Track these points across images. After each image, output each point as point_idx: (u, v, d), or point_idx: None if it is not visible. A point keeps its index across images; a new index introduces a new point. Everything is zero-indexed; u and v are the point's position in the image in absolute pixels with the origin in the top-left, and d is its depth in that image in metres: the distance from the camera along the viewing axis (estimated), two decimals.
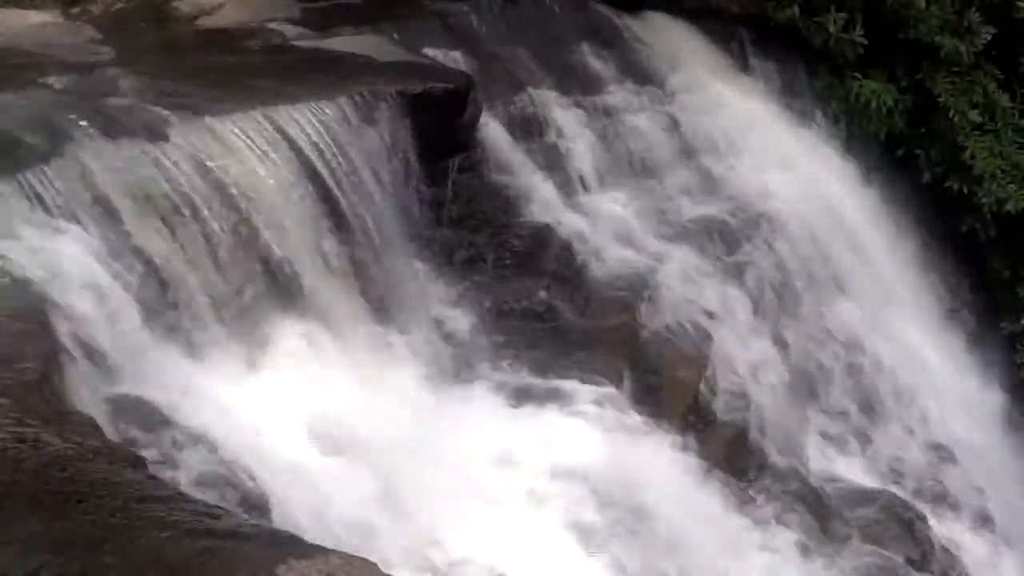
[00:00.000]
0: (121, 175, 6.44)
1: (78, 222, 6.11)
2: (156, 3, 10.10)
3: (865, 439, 10.30)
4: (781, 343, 10.22)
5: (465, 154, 8.95)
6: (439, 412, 7.27)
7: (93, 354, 5.67)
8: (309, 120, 7.44)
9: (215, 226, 6.69)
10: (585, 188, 10.12)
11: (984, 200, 12.37)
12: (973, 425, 11.35)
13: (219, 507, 4.51)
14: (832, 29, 12.16)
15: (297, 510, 5.76)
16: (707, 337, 9.33)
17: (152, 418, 5.72)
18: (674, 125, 11.18)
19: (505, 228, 9.16)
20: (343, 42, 9.26)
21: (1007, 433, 11.95)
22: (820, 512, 9.01)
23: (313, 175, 7.30)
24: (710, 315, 9.52)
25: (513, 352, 8.28)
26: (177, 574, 3.73)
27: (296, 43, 9.23)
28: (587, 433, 7.62)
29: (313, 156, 7.34)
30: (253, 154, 7.05)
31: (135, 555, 3.80)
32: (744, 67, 12.56)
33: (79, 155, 6.37)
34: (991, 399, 12.09)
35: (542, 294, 8.92)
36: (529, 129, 9.95)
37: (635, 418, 8.07)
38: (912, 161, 13.33)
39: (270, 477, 5.80)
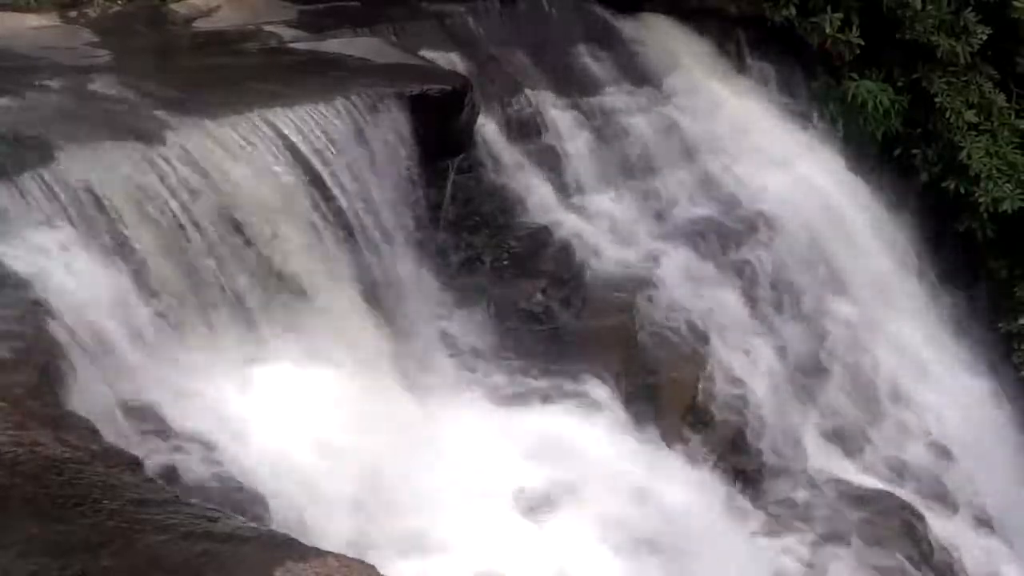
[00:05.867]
0: (118, 178, 6.43)
1: (75, 226, 6.10)
2: (153, 6, 10.11)
3: (864, 439, 10.30)
4: (779, 343, 10.22)
5: (463, 155, 8.95)
6: (437, 414, 7.27)
7: (91, 358, 5.67)
8: (306, 122, 7.44)
9: (212, 229, 6.68)
10: (583, 189, 10.12)
11: (981, 200, 12.37)
12: (972, 425, 11.33)
13: (217, 510, 4.51)
14: (829, 29, 12.17)
15: (294, 512, 5.76)
16: (705, 338, 9.33)
17: (150, 422, 5.71)
18: (671, 126, 11.19)
19: (503, 229, 9.16)
20: (340, 44, 9.26)
21: (1006, 432, 11.95)
22: (819, 512, 9.01)
23: (310, 177, 7.30)
24: (708, 315, 9.52)
25: (511, 353, 8.28)
26: None
27: (293, 45, 9.23)
28: (585, 434, 7.62)
29: (310, 158, 7.34)
30: (250, 157, 7.04)
31: (133, 558, 3.80)
32: (741, 68, 12.57)
33: (76, 158, 6.36)
34: (989, 399, 12.08)
35: (540, 295, 8.93)
36: (527, 130, 9.96)
37: (633, 419, 8.07)
38: (909, 161, 13.33)
39: (268, 480, 5.80)
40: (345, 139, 7.61)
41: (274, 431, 6.24)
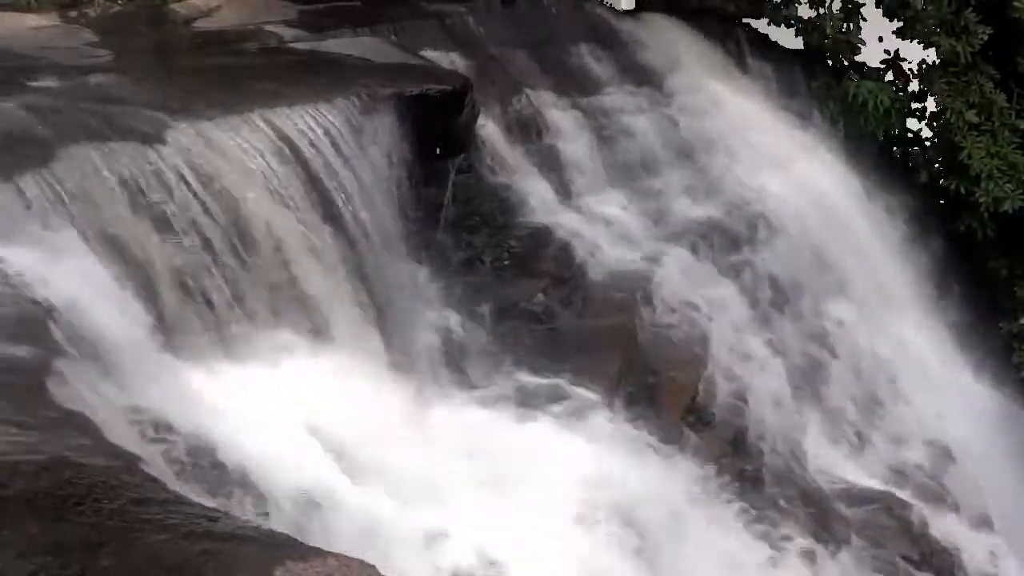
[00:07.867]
0: (118, 179, 6.42)
1: (75, 226, 6.09)
2: (153, 6, 10.12)
3: (864, 439, 10.30)
4: (779, 343, 10.21)
5: (463, 155, 8.95)
6: (438, 414, 7.26)
7: (91, 357, 5.66)
8: (307, 122, 7.44)
9: (212, 229, 6.68)
10: (583, 189, 10.13)
11: (981, 199, 12.38)
12: (972, 425, 11.34)
13: (217, 509, 4.51)
14: (829, 29, 12.18)
15: (295, 512, 5.75)
16: (705, 338, 9.33)
17: (150, 421, 5.70)
18: (672, 126, 11.20)
19: (503, 229, 9.17)
20: (340, 44, 9.26)
21: (1006, 432, 11.95)
22: (820, 512, 9.00)
23: (310, 177, 7.29)
24: (708, 316, 9.52)
25: (511, 353, 8.28)
26: None
27: (293, 45, 9.23)
28: (585, 434, 7.61)
29: (310, 158, 7.33)
30: (250, 156, 7.04)
31: (133, 557, 3.79)
32: (741, 67, 12.58)
33: (76, 159, 6.35)
34: (989, 398, 12.09)
35: (540, 295, 8.93)
36: (527, 130, 9.96)
37: (633, 419, 8.07)
38: (909, 161, 13.35)
39: (267, 481, 5.79)
40: (345, 139, 7.60)
41: (274, 433, 6.23)
